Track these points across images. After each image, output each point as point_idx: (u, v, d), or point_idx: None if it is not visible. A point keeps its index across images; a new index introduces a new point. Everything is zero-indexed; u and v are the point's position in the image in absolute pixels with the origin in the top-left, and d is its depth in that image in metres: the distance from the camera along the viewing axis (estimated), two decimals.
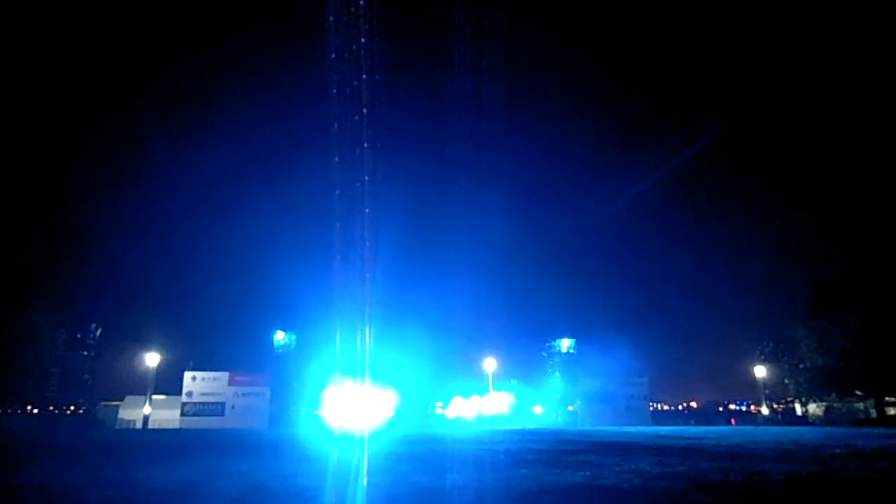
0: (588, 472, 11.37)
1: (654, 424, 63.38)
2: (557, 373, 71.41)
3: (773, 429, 47.14)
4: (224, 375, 62.21)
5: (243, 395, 62.15)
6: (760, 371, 67.20)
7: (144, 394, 58.15)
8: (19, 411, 62.87)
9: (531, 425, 63.76)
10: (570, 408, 68.89)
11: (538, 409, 79.20)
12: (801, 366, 62.93)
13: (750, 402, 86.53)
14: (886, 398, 58.63)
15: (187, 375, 61.39)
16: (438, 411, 77.52)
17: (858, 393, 59.43)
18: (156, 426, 55.40)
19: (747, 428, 48.88)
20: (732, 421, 72.76)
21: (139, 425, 56.64)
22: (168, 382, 62.09)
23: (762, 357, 68.19)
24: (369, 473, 11.08)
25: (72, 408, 64.77)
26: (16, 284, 54.61)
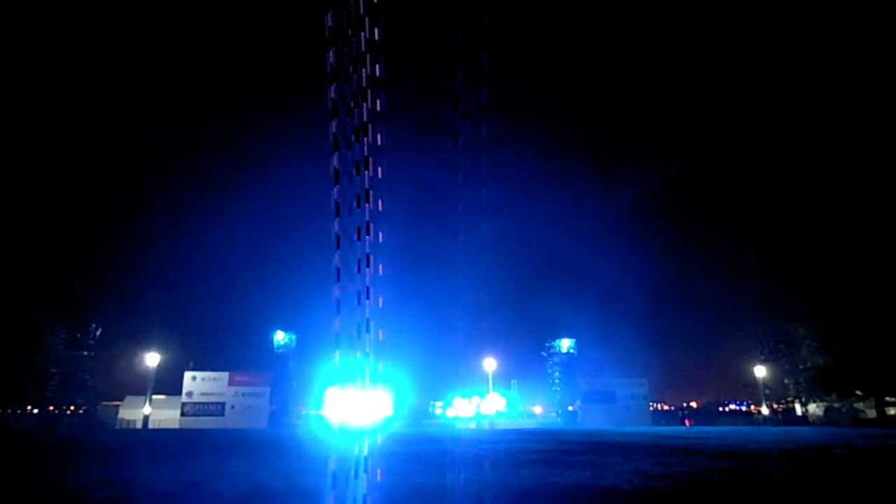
0: (588, 472, 11.37)
1: (653, 424, 63.43)
2: (557, 373, 71.34)
3: (773, 429, 47.14)
4: (224, 375, 62.20)
5: (243, 395, 62.15)
6: (760, 371, 67.15)
7: (144, 394, 58.14)
8: (19, 411, 62.84)
9: (531, 425, 63.77)
10: (570, 408, 68.88)
11: (538, 409, 79.24)
12: (801, 366, 62.87)
13: (750, 402, 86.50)
14: (886, 398, 58.61)
15: (187, 375, 61.38)
16: (438, 411, 77.56)
17: (858, 393, 59.41)
18: (156, 426, 55.41)
19: (748, 428, 48.86)
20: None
21: (139, 425, 56.63)
22: (168, 382, 62.15)
23: (762, 357, 68.10)
24: (369, 473, 11.07)
25: (72, 408, 64.73)
26: (16, 285, 54.62)
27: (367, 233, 4.76)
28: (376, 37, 5.01)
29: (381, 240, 4.84)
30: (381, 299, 4.80)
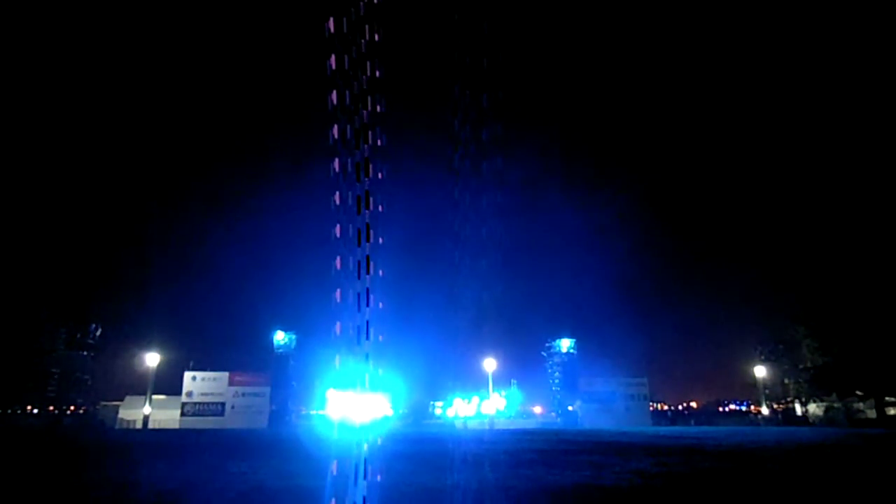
0: (588, 473, 11.39)
1: (654, 424, 63.50)
2: (557, 373, 71.28)
3: (773, 429, 47.20)
4: (224, 375, 62.23)
5: (243, 395, 62.20)
6: (760, 371, 67.18)
7: (144, 394, 58.16)
8: (19, 411, 62.86)
9: (531, 425, 63.80)
10: (570, 408, 68.84)
11: (538, 409, 79.19)
12: (801, 366, 62.86)
13: (750, 402, 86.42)
14: (886, 398, 58.61)
15: (187, 375, 61.40)
16: (438, 411, 77.55)
17: (858, 393, 59.41)
18: (156, 426, 55.41)
19: (748, 428, 48.91)
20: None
21: (139, 425, 56.63)
22: (168, 382, 62.11)
23: (762, 357, 68.09)
24: (369, 473, 11.10)
25: (72, 408, 64.74)
26: (17, 286, 54.66)
27: (367, 238, 4.79)
28: (376, 40, 5.05)
29: (380, 242, 4.87)
30: (380, 303, 4.84)
